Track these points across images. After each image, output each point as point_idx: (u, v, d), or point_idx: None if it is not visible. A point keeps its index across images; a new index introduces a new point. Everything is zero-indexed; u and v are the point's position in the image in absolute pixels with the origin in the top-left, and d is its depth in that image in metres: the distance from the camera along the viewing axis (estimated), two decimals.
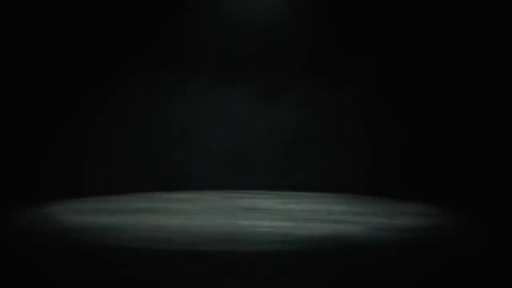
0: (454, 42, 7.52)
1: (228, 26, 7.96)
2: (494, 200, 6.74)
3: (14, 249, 4.22)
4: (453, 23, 7.47)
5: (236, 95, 8.07)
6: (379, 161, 7.81)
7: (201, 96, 8.05)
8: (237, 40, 7.96)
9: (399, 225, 5.33)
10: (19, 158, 7.33)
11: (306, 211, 6.14)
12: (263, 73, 8.03)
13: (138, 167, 7.86)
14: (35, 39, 7.41)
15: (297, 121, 8.00)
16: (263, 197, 7.26)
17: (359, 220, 5.57)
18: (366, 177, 7.74)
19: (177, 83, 8.04)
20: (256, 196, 7.29)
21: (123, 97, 7.91)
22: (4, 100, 7.32)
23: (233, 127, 8.05)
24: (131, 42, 7.81)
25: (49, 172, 7.43)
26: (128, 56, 7.82)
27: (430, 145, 7.67)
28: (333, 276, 3.58)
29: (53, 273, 3.52)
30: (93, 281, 3.37)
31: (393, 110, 7.90)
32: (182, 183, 7.83)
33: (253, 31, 7.97)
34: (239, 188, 7.75)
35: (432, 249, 4.43)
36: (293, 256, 4.09)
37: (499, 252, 4.33)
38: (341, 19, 7.92)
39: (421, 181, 7.51)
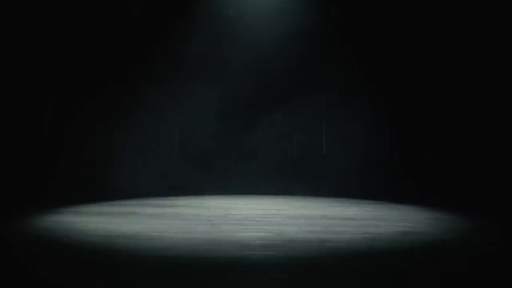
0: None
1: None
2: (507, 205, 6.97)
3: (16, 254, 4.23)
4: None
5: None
6: (385, 167, 7.98)
7: None
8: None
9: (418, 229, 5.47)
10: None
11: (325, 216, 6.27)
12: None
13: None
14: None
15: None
16: (280, 202, 7.39)
17: (383, 224, 5.72)
18: (373, 182, 7.91)
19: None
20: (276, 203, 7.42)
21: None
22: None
23: None
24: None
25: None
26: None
27: (434, 150, 7.86)
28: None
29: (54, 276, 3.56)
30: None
31: (394, 114, 8.05)
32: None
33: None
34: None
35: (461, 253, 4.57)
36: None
37: None
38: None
39: (427, 186, 7.71)
